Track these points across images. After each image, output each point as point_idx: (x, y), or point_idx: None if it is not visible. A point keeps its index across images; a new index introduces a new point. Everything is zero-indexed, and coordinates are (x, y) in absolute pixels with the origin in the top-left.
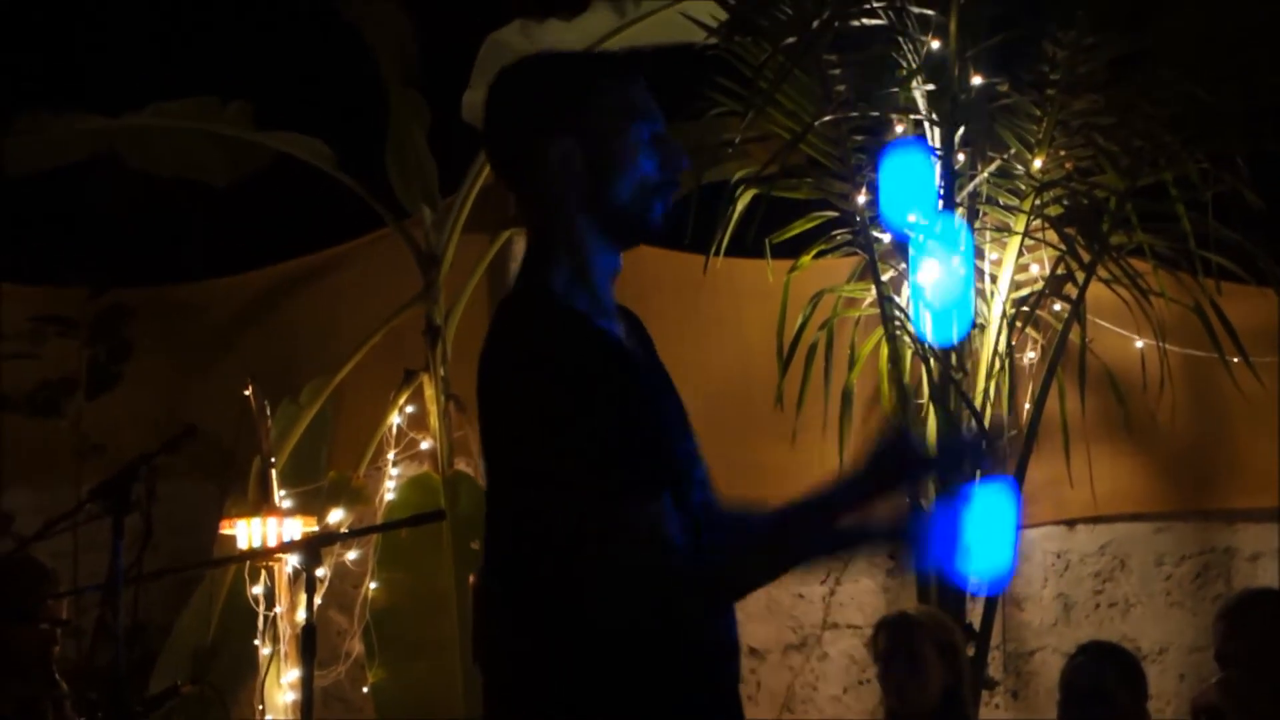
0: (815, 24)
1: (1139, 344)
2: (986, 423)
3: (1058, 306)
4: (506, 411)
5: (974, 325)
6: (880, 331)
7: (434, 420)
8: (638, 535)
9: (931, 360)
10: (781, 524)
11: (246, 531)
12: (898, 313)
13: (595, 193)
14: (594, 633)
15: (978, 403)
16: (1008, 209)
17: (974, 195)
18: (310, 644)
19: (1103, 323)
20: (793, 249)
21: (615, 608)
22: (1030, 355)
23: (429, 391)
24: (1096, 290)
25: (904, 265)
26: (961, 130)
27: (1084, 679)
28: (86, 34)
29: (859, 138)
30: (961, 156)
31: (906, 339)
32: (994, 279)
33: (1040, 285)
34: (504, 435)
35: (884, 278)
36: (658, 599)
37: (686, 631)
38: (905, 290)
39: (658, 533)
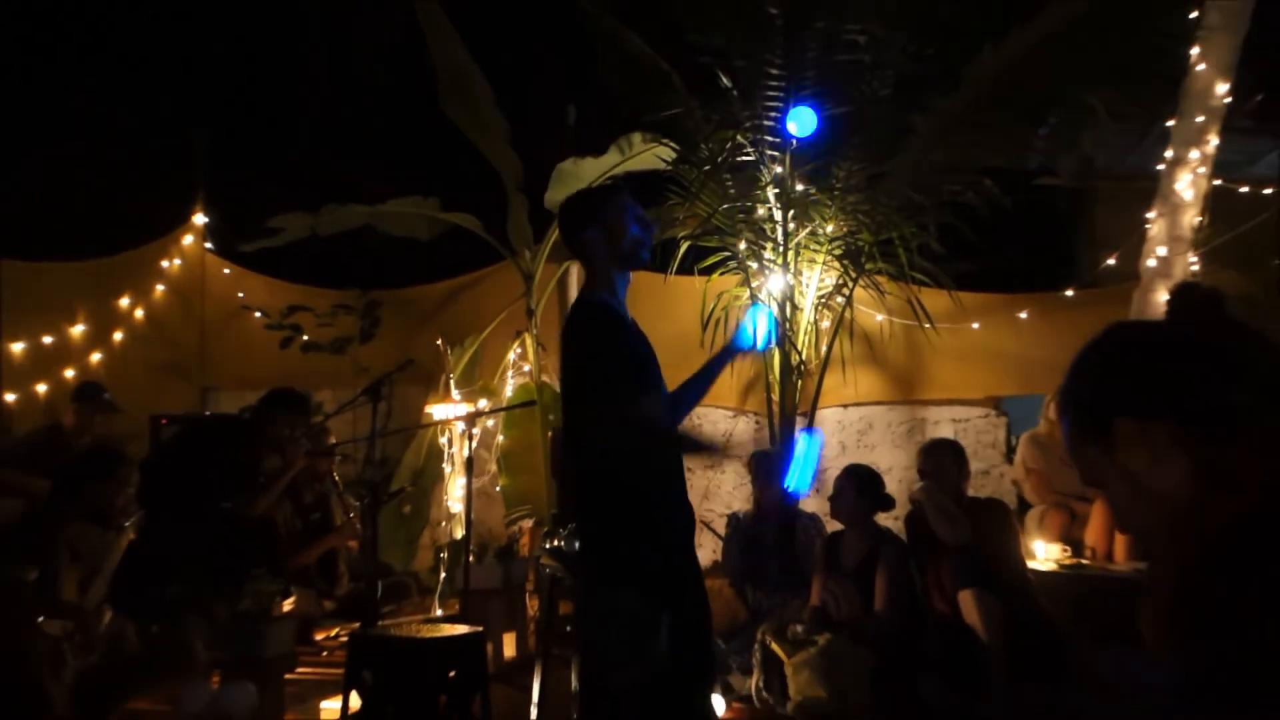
0: (720, 159)
1: (880, 318)
2: (804, 356)
3: (840, 299)
4: (578, 360)
5: (796, 308)
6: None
7: (531, 356)
8: (646, 411)
9: (778, 326)
10: (690, 378)
11: (438, 410)
12: (759, 303)
13: (612, 248)
14: (622, 482)
15: (800, 346)
16: (814, 250)
17: (798, 245)
18: (470, 466)
19: (862, 308)
20: (708, 271)
21: (631, 437)
22: (825, 323)
23: (529, 342)
24: (859, 292)
25: (761, 281)
26: (792, 212)
27: (840, 483)
28: (361, 159)
29: (741, 216)
30: (792, 225)
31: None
32: (808, 285)
33: (831, 289)
34: (577, 371)
35: (753, 284)
36: (650, 432)
37: (666, 458)
38: (762, 293)
39: (653, 411)
